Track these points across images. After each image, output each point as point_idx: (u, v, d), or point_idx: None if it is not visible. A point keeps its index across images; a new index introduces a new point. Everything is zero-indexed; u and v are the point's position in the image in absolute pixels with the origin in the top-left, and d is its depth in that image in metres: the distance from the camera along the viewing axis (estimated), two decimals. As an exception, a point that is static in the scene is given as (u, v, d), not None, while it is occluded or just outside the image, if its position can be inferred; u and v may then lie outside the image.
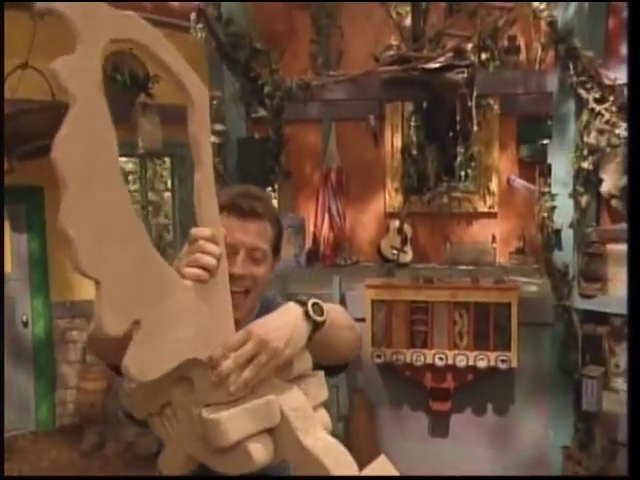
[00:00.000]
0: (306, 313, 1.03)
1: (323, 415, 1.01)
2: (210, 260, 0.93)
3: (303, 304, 1.04)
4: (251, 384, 0.93)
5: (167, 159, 5.54)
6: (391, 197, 5.82)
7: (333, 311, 1.11)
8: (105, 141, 0.81)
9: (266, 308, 1.38)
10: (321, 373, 1.05)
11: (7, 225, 4.81)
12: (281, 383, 0.98)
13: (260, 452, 0.90)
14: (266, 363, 0.93)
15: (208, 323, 0.92)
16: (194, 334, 0.90)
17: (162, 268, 0.87)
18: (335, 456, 0.90)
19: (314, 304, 1.05)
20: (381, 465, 0.93)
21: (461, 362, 3.54)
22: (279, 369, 0.98)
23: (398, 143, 5.75)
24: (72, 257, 0.74)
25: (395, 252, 5.21)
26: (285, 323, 0.99)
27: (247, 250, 1.23)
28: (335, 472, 0.88)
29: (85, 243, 0.75)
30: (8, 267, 4.83)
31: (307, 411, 0.95)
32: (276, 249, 1.32)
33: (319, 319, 1.03)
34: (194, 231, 0.96)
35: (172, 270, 0.90)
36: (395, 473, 0.93)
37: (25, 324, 4.86)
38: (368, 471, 0.90)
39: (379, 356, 3.66)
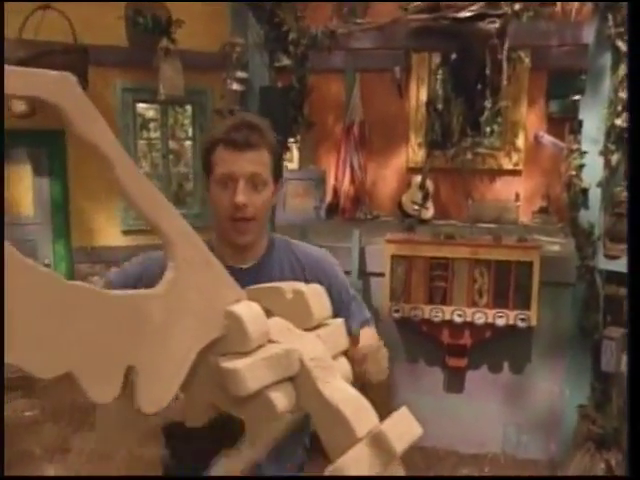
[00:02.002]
0: None
1: (343, 364, 0.99)
2: None
3: None
4: None
5: (188, 107, 5.47)
6: (414, 152, 5.73)
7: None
8: None
9: (278, 249, 1.46)
10: (341, 322, 1.03)
11: (29, 168, 4.83)
12: (300, 332, 0.96)
13: (282, 401, 0.89)
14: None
15: (205, 307, 0.88)
16: (194, 328, 0.86)
17: (122, 307, 0.79)
18: (354, 406, 0.88)
19: None
20: (401, 417, 0.92)
21: (479, 319, 3.52)
22: (298, 317, 0.97)
23: (423, 96, 5.62)
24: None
25: (416, 208, 5.15)
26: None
27: (246, 178, 1.29)
28: (354, 422, 0.86)
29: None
30: (29, 210, 4.87)
31: (326, 361, 0.93)
32: (277, 174, 1.36)
33: None
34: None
35: (129, 295, 0.81)
36: (415, 425, 0.92)
37: (47, 268, 4.93)
38: (388, 422, 0.89)
39: (397, 311, 3.65)
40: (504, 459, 3.68)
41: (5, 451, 3.59)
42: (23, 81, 0.69)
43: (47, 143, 4.70)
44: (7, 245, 0.67)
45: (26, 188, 4.84)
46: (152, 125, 6.32)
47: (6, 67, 0.67)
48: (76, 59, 4.12)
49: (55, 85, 0.71)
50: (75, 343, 0.73)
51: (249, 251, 1.39)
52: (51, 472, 3.46)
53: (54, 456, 3.60)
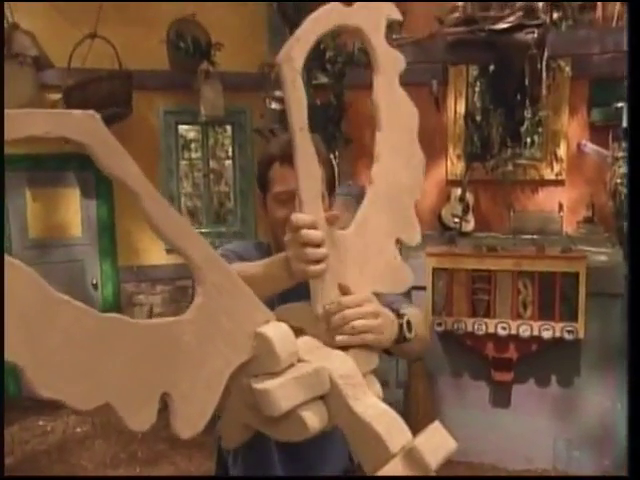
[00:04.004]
0: (400, 327, 1.14)
1: (374, 382, 1.00)
2: (318, 252, 0.96)
3: (400, 317, 1.15)
4: (348, 340, 0.98)
5: (228, 127, 5.58)
6: (453, 164, 5.68)
7: (416, 321, 1.20)
8: None
9: None
10: None
11: (77, 191, 4.99)
12: (330, 350, 0.97)
13: (313, 419, 0.90)
14: (369, 329, 1.00)
15: (235, 330, 0.89)
16: (226, 351, 0.88)
17: (157, 336, 0.81)
18: (387, 422, 0.89)
19: (408, 322, 1.16)
20: (434, 432, 0.92)
21: (525, 332, 3.47)
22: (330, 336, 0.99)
23: (461, 109, 5.58)
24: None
25: (456, 220, 5.11)
26: (388, 318, 1.09)
27: None
28: (387, 438, 0.87)
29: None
30: (78, 231, 5.02)
31: (357, 378, 0.94)
32: (331, 188, 1.38)
33: (408, 336, 1.15)
34: (294, 218, 0.97)
35: (160, 323, 0.83)
36: (449, 440, 0.92)
37: (95, 287, 5.07)
38: (421, 438, 0.89)
39: (439, 324, 3.63)
40: (555, 475, 3.59)
41: (60, 466, 3.70)
42: (51, 122, 0.74)
43: (94, 167, 4.83)
44: (43, 282, 0.70)
45: (74, 210, 5.00)
46: (193, 146, 6.45)
47: (34, 110, 0.73)
48: (121, 85, 4.26)
49: (81, 124, 0.76)
50: (111, 374, 0.75)
51: None
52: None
53: (105, 471, 3.68)
